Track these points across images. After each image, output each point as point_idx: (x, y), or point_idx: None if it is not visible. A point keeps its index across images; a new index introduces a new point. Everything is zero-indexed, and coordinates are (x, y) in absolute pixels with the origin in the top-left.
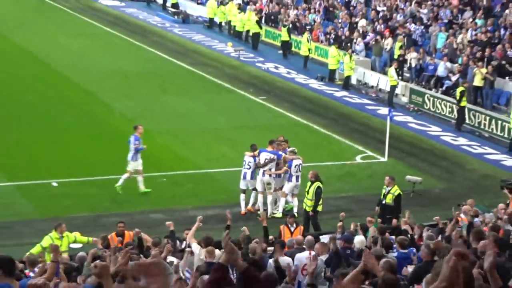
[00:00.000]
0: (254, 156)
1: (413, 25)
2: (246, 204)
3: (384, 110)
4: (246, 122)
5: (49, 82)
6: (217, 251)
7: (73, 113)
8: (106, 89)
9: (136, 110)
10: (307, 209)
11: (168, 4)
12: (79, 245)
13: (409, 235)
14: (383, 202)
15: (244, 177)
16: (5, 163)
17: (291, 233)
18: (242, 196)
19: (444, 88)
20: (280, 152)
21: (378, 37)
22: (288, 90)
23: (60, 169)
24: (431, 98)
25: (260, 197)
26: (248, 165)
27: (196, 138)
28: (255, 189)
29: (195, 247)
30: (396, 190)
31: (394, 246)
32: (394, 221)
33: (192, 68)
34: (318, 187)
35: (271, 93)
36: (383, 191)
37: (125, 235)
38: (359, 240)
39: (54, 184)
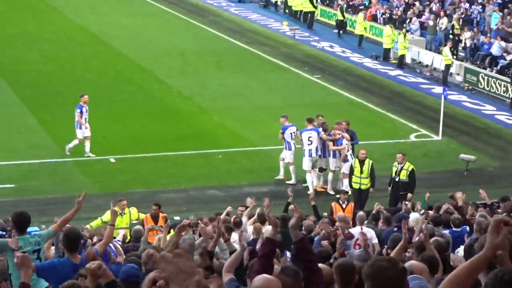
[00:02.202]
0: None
1: (467, 4)
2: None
3: (438, 89)
4: (300, 100)
5: (108, 61)
6: (267, 227)
7: (131, 91)
8: (163, 67)
9: (193, 88)
10: (362, 187)
11: None
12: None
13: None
14: (397, 179)
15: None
16: (64, 139)
17: (343, 210)
18: (318, 173)
19: (498, 67)
20: (320, 129)
21: (432, 16)
22: (343, 68)
23: (118, 145)
24: (486, 77)
25: (308, 176)
26: (309, 140)
27: (251, 115)
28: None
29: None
30: (409, 166)
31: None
32: (410, 195)
33: (247, 46)
34: (372, 164)
35: (325, 71)
36: (395, 168)
37: (159, 218)
38: (414, 218)
39: (112, 160)
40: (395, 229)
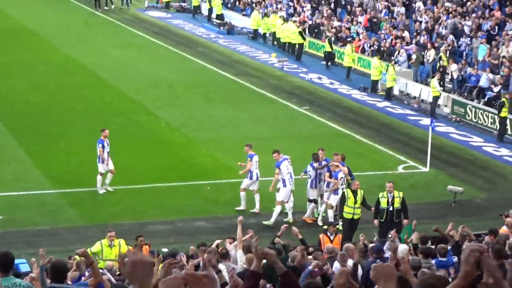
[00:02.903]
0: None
1: (451, 36)
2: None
3: (426, 121)
4: (289, 131)
5: (97, 92)
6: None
7: (120, 122)
8: (152, 98)
9: (181, 119)
10: (355, 217)
11: (213, 15)
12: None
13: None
14: (390, 208)
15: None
16: (52, 171)
17: (331, 241)
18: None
19: (486, 99)
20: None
21: (415, 48)
22: (331, 100)
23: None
24: (473, 109)
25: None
26: (309, 174)
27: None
28: (314, 200)
29: (240, 254)
30: (399, 193)
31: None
32: (406, 221)
33: (236, 78)
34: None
35: (314, 103)
36: (384, 199)
37: (144, 249)
38: (402, 249)
39: (101, 191)
40: (377, 260)
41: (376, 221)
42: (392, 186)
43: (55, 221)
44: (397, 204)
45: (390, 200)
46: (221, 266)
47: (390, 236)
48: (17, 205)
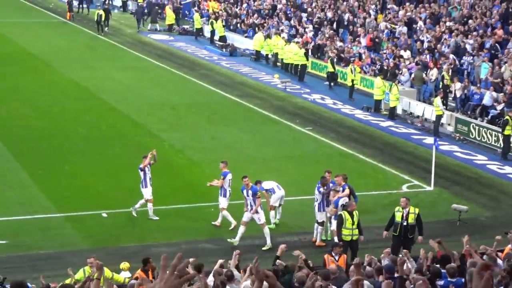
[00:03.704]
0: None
1: (451, 55)
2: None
3: (430, 140)
4: (292, 152)
5: (100, 115)
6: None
7: (123, 145)
8: (155, 120)
9: (184, 141)
10: (354, 238)
11: (216, 37)
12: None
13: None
14: (404, 223)
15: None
16: (56, 195)
17: (336, 262)
18: (316, 226)
19: (489, 117)
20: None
21: (418, 66)
22: (334, 120)
23: (110, 200)
24: (477, 127)
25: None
26: (315, 197)
27: (243, 168)
28: (321, 223)
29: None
30: (415, 209)
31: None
32: (420, 238)
33: (239, 99)
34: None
35: (317, 123)
36: (399, 213)
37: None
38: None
39: (104, 215)
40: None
41: (385, 233)
42: (405, 201)
43: (59, 244)
44: (411, 220)
45: (404, 215)
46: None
47: (401, 255)
48: (21, 229)
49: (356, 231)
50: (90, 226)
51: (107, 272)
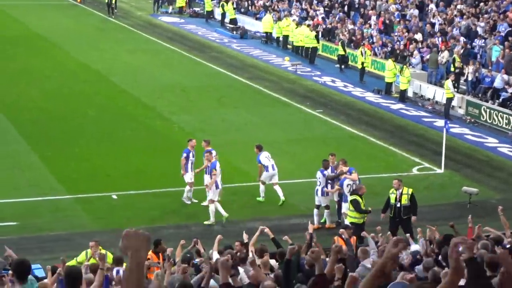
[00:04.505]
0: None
1: (462, 38)
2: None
3: (440, 122)
4: (303, 134)
5: (110, 97)
6: (272, 262)
7: (133, 127)
8: (165, 103)
9: (194, 124)
10: (365, 219)
11: (227, 20)
12: None
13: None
14: (398, 205)
15: (316, 193)
16: (66, 177)
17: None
18: (315, 211)
19: (500, 100)
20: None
21: (434, 49)
22: (345, 103)
23: (120, 182)
24: (488, 110)
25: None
26: (319, 181)
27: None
28: (327, 206)
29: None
30: (408, 190)
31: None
32: (414, 218)
33: (249, 82)
34: None
35: (328, 106)
36: (393, 195)
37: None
38: (415, 249)
39: (114, 196)
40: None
41: (382, 215)
42: (398, 182)
43: (69, 226)
44: (404, 201)
45: (398, 197)
46: (240, 269)
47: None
48: (31, 211)
49: (364, 215)
50: (100, 208)
51: (109, 258)
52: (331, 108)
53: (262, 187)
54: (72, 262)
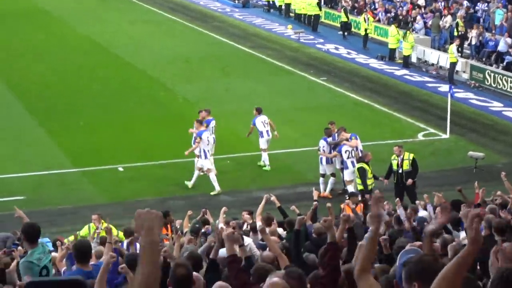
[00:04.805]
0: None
1: (465, 2)
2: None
3: (445, 87)
4: (307, 103)
5: (114, 70)
6: (280, 230)
7: (138, 99)
8: (169, 74)
9: (199, 94)
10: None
11: None
12: None
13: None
14: (400, 171)
15: (321, 162)
16: (72, 150)
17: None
18: (321, 179)
19: (504, 63)
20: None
21: (437, 14)
22: (348, 70)
23: (126, 154)
24: (492, 74)
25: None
26: (322, 149)
27: None
28: (333, 174)
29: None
30: (409, 155)
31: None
32: (410, 180)
33: (252, 51)
34: None
35: (331, 73)
36: (395, 161)
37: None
38: (423, 215)
39: (120, 169)
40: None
41: (385, 181)
42: (398, 149)
43: (76, 199)
44: (406, 166)
45: (399, 163)
46: (248, 239)
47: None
48: (39, 185)
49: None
50: (107, 180)
51: (114, 231)
52: (335, 75)
53: (265, 155)
54: (73, 238)
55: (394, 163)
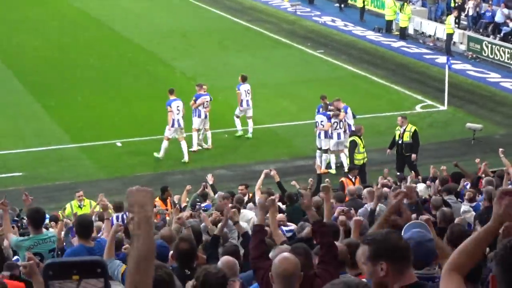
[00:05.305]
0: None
1: None
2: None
3: (442, 59)
4: (305, 76)
5: (111, 45)
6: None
7: (135, 74)
8: (166, 49)
9: (196, 68)
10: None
11: None
12: None
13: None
14: (400, 141)
15: (319, 136)
16: (70, 125)
17: (354, 184)
18: (318, 153)
19: (502, 34)
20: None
21: None
22: (346, 42)
23: (124, 129)
24: (489, 45)
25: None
26: (321, 124)
27: (256, 93)
28: (326, 150)
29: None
30: (411, 127)
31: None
32: (414, 156)
33: (249, 24)
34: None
35: (328, 46)
36: (398, 132)
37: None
38: (421, 188)
39: (118, 144)
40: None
41: (388, 151)
42: (401, 119)
43: (75, 175)
44: (406, 138)
45: (401, 134)
46: (251, 213)
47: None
48: (37, 161)
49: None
50: (105, 156)
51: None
52: (332, 48)
53: (237, 121)
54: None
55: (397, 133)
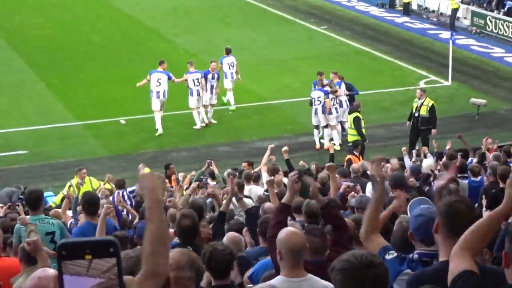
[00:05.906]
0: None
1: None
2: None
3: (446, 34)
4: (308, 52)
5: (113, 22)
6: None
7: (138, 51)
8: (169, 26)
9: (199, 45)
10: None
11: None
12: None
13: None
14: (416, 114)
15: (315, 113)
16: (74, 103)
17: (359, 160)
18: (316, 132)
19: (506, 9)
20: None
21: None
22: (349, 18)
23: (127, 106)
24: (493, 20)
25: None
26: (318, 100)
27: (260, 70)
28: (317, 127)
29: (265, 176)
30: (429, 102)
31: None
32: (434, 131)
33: (252, 0)
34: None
35: (332, 22)
36: (415, 104)
37: (172, 178)
38: (427, 164)
39: (122, 121)
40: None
41: (408, 123)
42: (420, 92)
43: (79, 153)
44: (422, 112)
45: (418, 106)
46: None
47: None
48: (41, 139)
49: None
50: (109, 133)
51: (95, 183)
52: (336, 24)
53: (230, 94)
54: (59, 197)
55: (414, 105)
